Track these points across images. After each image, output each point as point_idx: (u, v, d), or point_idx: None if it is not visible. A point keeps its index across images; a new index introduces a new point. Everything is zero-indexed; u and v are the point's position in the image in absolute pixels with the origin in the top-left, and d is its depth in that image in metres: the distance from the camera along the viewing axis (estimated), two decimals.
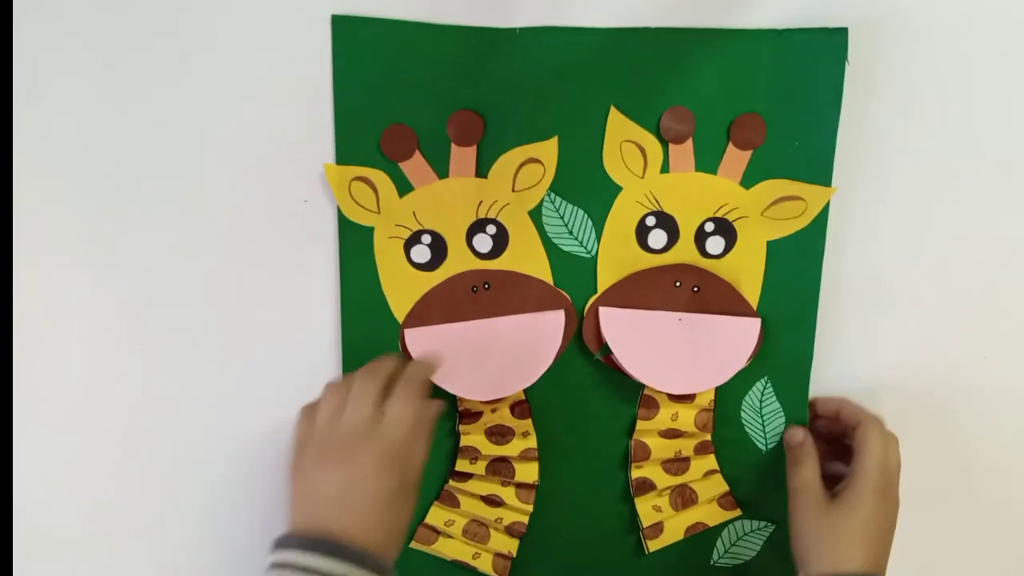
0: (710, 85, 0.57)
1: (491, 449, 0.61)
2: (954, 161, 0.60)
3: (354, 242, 0.58)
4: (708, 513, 0.63)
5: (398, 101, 0.55)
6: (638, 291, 0.59)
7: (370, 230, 0.58)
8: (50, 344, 0.59)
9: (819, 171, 0.57)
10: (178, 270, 0.59)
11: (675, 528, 0.63)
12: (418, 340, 0.59)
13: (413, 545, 0.62)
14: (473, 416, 0.61)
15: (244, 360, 0.60)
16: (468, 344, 0.59)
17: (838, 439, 0.61)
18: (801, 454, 0.59)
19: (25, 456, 0.59)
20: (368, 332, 0.59)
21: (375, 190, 0.57)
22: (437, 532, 0.62)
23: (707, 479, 0.63)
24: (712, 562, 0.65)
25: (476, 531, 0.62)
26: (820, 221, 0.58)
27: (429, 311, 0.59)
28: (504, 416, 0.61)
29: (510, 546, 0.63)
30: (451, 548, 0.62)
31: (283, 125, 0.57)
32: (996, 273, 0.63)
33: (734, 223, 0.59)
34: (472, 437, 0.61)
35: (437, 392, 0.58)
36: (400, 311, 0.59)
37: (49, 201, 0.57)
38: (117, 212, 0.58)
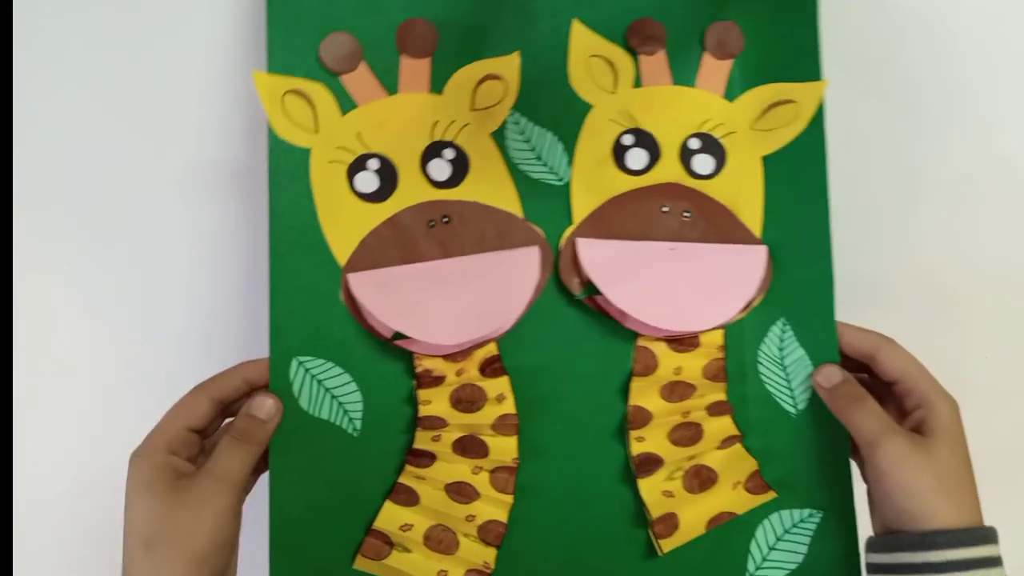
0: None
1: (459, 418, 0.50)
2: (954, 157, 0.60)
3: (286, 167, 0.49)
4: (734, 499, 0.50)
5: (341, 6, 0.50)
6: (620, 219, 0.51)
7: (305, 152, 0.50)
8: (50, 344, 0.58)
9: (806, 67, 0.52)
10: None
11: (693, 520, 0.50)
12: (364, 286, 0.49)
13: (359, 566, 0.48)
14: (435, 380, 0.50)
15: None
16: (425, 289, 0.49)
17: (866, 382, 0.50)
18: (853, 392, 0.48)
19: (25, 456, 0.58)
20: (303, 278, 0.49)
21: (312, 105, 0.50)
22: (390, 543, 0.48)
23: (726, 450, 0.51)
24: (748, 575, 0.51)
25: (441, 538, 0.49)
26: (817, 123, 0.51)
27: (377, 250, 0.50)
28: (473, 376, 0.50)
29: (486, 556, 0.49)
30: (409, 564, 0.48)
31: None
32: (994, 272, 0.62)
33: (722, 140, 0.52)
34: (434, 406, 0.50)
35: (392, 351, 0.48)
36: (342, 251, 0.50)
37: (49, 200, 0.56)
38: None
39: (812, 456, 0.50)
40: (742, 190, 0.52)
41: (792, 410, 0.51)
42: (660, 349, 0.51)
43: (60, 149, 0.56)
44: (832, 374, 0.49)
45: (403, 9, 0.50)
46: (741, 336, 0.51)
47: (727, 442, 0.50)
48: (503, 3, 0.51)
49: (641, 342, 0.51)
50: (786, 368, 0.51)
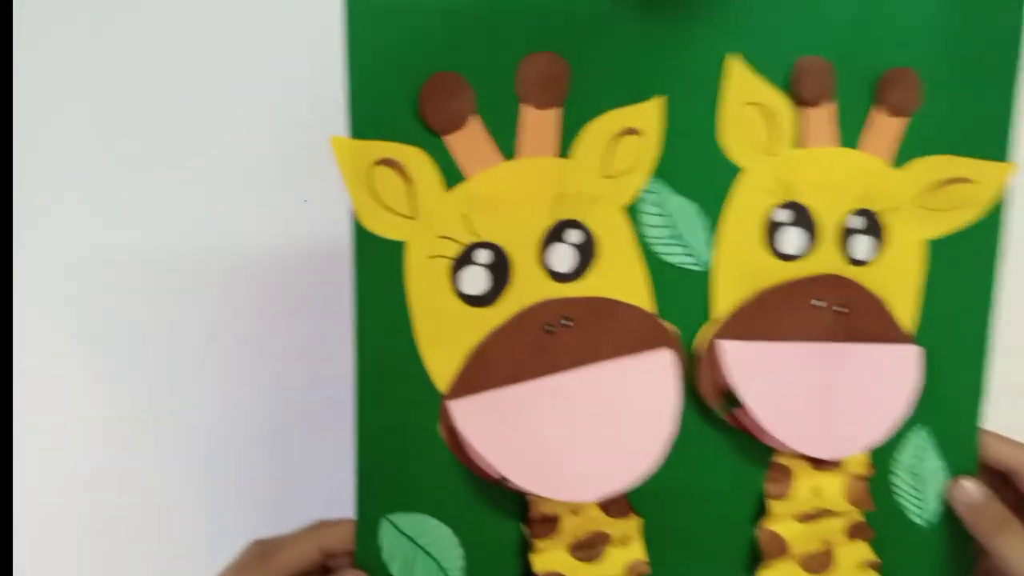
0: (851, 28, 0.41)
1: (579, 571, 0.41)
2: None
3: (374, 267, 0.36)
4: None
5: (445, 35, 0.35)
6: (770, 316, 0.42)
7: (399, 247, 0.36)
8: (51, 343, 0.53)
9: (993, 141, 0.43)
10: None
11: None
12: (469, 416, 0.38)
13: None
14: (549, 523, 0.40)
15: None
16: (544, 416, 0.39)
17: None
18: (998, 514, 0.44)
19: (25, 455, 0.53)
20: (396, 412, 0.37)
21: (408, 179, 0.35)
22: None
23: None
24: None
25: None
26: (995, 211, 0.44)
27: (485, 369, 0.38)
28: (594, 518, 0.41)
29: None
30: None
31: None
32: None
33: (882, 217, 0.43)
34: (550, 555, 0.40)
35: (499, 493, 0.38)
36: (442, 372, 0.38)
37: (50, 199, 0.51)
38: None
39: (937, 571, 0.46)
40: (898, 279, 0.44)
41: (923, 523, 0.46)
42: (799, 467, 0.44)
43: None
44: (973, 491, 0.45)
45: (524, 39, 0.36)
46: (883, 446, 0.45)
47: (863, 569, 0.45)
48: (644, 32, 0.38)
49: (778, 459, 0.44)
50: (920, 478, 0.46)
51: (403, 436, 0.37)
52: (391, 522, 0.38)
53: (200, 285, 0.51)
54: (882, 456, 0.45)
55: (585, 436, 0.39)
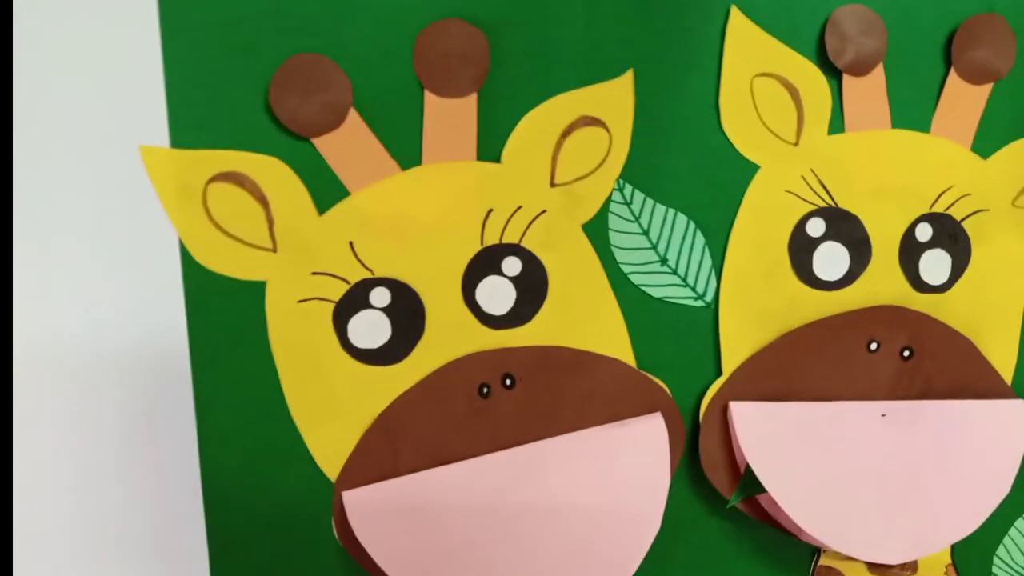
0: None
1: None
2: None
3: (218, 319, 0.27)
4: None
5: (300, 5, 0.25)
6: (803, 366, 0.30)
7: (257, 288, 0.27)
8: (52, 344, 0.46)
9: None
10: None
11: None
12: (372, 512, 0.28)
13: None
14: None
15: None
16: (477, 507, 0.29)
17: None
18: None
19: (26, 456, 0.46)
20: (269, 497, 0.28)
21: (263, 200, 0.26)
22: None
23: None
24: None
25: None
26: None
27: (394, 447, 0.28)
28: None
29: None
30: None
31: None
32: None
33: (965, 223, 0.31)
34: None
35: None
36: (330, 456, 0.28)
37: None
38: None
39: None
40: (990, 308, 0.31)
41: None
42: (855, 570, 0.32)
43: None
44: None
45: (424, 6, 0.26)
46: (976, 539, 0.32)
47: None
48: None
49: (825, 562, 0.32)
50: None
51: (280, 536, 0.28)
52: None
53: None
54: (980, 549, 0.33)
55: (538, 539, 0.29)
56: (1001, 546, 0.33)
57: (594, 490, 0.29)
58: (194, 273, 0.26)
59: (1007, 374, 0.32)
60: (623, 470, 0.29)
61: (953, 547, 0.32)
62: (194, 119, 0.25)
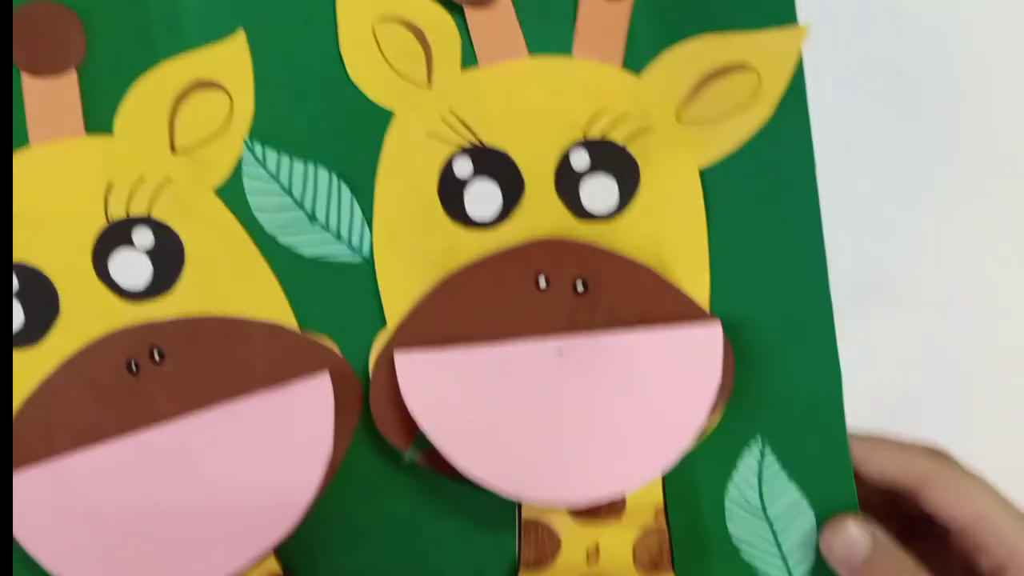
0: None
1: None
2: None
3: None
4: None
5: None
6: (467, 309, 0.29)
7: None
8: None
9: (771, 4, 0.29)
10: None
11: None
12: (26, 498, 0.28)
13: None
14: None
15: None
16: (132, 482, 0.28)
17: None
18: (897, 569, 0.28)
19: None
20: None
21: None
22: None
23: None
24: None
25: None
26: (794, 102, 0.29)
27: (45, 432, 0.28)
28: None
29: None
30: None
31: None
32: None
33: (628, 147, 0.30)
34: None
35: None
36: None
37: None
38: None
39: None
40: (671, 231, 0.30)
41: None
42: (561, 523, 0.30)
43: None
44: (855, 541, 0.29)
45: None
46: (692, 479, 0.30)
47: None
48: None
49: (529, 514, 0.30)
50: (772, 523, 0.31)
51: None
52: None
53: None
54: (706, 496, 0.31)
55: (190, 524, 0.28)
56: (731, 485, 0.31)
57: (248, 461, 0.28)
58: None
59: (701, 295, 0.30)
60: (283, 436, 0.29)
61: (666, 489, 0.30)
62: None
